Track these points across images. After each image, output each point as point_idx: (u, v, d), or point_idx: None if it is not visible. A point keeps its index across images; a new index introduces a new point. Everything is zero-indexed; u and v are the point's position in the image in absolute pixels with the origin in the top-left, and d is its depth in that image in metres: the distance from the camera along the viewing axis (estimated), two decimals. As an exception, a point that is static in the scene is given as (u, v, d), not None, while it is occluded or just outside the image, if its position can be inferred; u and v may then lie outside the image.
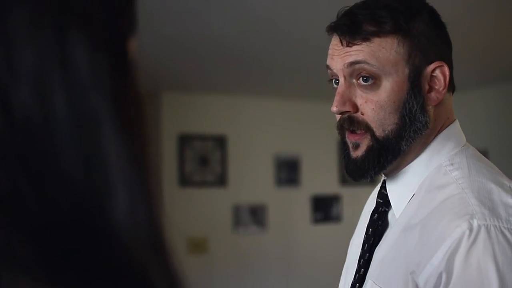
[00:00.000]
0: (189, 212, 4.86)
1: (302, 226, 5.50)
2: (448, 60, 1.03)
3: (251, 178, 5.27)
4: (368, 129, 0.98)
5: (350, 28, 0.98)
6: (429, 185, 0.98)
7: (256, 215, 5.29)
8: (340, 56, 0.99)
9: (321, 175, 5.60)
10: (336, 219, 5.65)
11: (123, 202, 0.32)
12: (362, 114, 0.98)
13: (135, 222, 0.33)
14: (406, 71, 0.97)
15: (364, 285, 1.03)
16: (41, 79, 0.31)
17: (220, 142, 5.18)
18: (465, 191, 0.92)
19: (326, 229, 5.55)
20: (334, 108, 0.99)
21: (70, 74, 0.32)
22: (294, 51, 3.74)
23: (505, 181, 0.97)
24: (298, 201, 5.50)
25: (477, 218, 0.87)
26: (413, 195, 1.00)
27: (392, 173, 1.03)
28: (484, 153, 1.05)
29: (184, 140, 5.02)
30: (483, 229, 0.86)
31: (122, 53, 0.35)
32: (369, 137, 0.99)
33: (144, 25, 3.19)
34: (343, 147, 1.04)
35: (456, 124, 1.05)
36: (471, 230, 0.86)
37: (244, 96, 5.24)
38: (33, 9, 0.31)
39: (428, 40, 0.99)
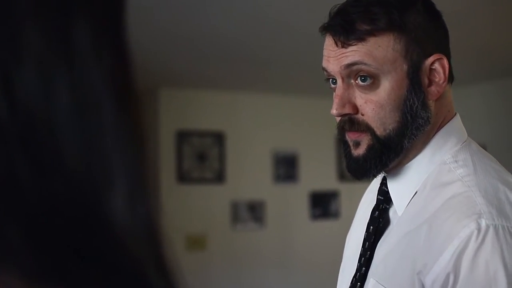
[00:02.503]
0: (187, 209, 4.86)
1: (300, 222, 5.51)
2: (446, 50, 1.00)
3: (249, 175, 5.26)
4: (368, 128, 0.96)
5: (343, 28, 0.95)
6: (433, 183, 0.96)
7: (254, 211, 5.29)
8: (336, 58, 0.97)
9: (319, 171, 5.60)
10: (335, 215, 5.65)
11: (121, 196, 0.32)
12: (362, 115, 0.96)
13: (133, 217, 0.32)
14: (405, 67, 0.95)
15: (365, 284, 1.01)
16: (44, 63, 0.30)
17: (218, 138, 5.18)
18: (472, 190, 0.90)
19: (324, 225, 5.56)
20: (334, 111, 0.97)
21: (73, 59, 0.31)
22: (292, 47, 3.73)
23: (510, 178, 0.95)
24: (296, 197, 5.50)
25: (485, 218, 0.85)
26: (416, 192, 0.98)
27: (393, 170, 1.01)
28: (483, 148, 1.04)
29: (182, 137, 5.01)
30: (491, 229, 0.84)
31: (122, 40, 0.35)
32: (369, 136, 0.97)
33: (142, 21, 3.19)
34: (344, 146, 1.02)
35: (457, 118, 1.03)
36: (479, 230, 0.84)
37: (242, 92, 5.23)
38: None
39: (424, 33, 0.97)
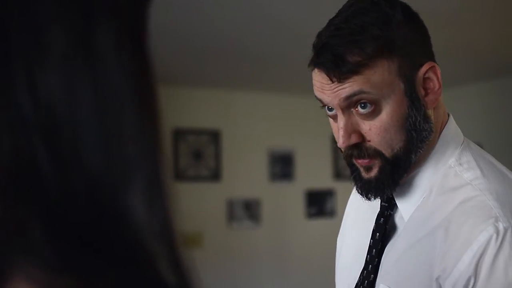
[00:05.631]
0: (183, 207, 4.85)
1: (296, 220, 5.51)
2: (431, 54, 1.00)
3: (245, 173, 5.27)
4: (377, 153, 0.96)
5: (335, 63, 0.94)
6: (440, 188, 0.97)
7: (250, 209, 5.29)
8: (332, 91, 0.96)
9: (315, 169, 5.61)
10: (330, 213, 5.66)
11: (139, 194, 0.33)
12: (369, 141, 0.96)
13: (149, 214, 0.33)
14: (402, 85, 0.95)
15: None
16: (67, 64, 0.31)
17: (214, 136, 5.18)
18: (484, 193, 0.91)
19: (320, 224, 5.56)
20: (341, 144, 0.97)
21: (96, 60, 0.32)
22: (289, 45, 3.73)
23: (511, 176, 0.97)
24: (292, 196, 5.51)
25: (501, 221, 0.87)
26: (423, 197, 0.99)
27: None
28: (479, 146, 1.05)
29: (178, 135, 5.01)
30: (509, 232, 0.87)
31: (143, 43, 0.36)
32: (379, 159, 0.97)
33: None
34: (352, 169, 1.02)
35: (451, 120, 1.04)
36: (497, 233, 0.86)
37: (238, 90, 5.23)
38: None
39: (411, 44, 0.96)
